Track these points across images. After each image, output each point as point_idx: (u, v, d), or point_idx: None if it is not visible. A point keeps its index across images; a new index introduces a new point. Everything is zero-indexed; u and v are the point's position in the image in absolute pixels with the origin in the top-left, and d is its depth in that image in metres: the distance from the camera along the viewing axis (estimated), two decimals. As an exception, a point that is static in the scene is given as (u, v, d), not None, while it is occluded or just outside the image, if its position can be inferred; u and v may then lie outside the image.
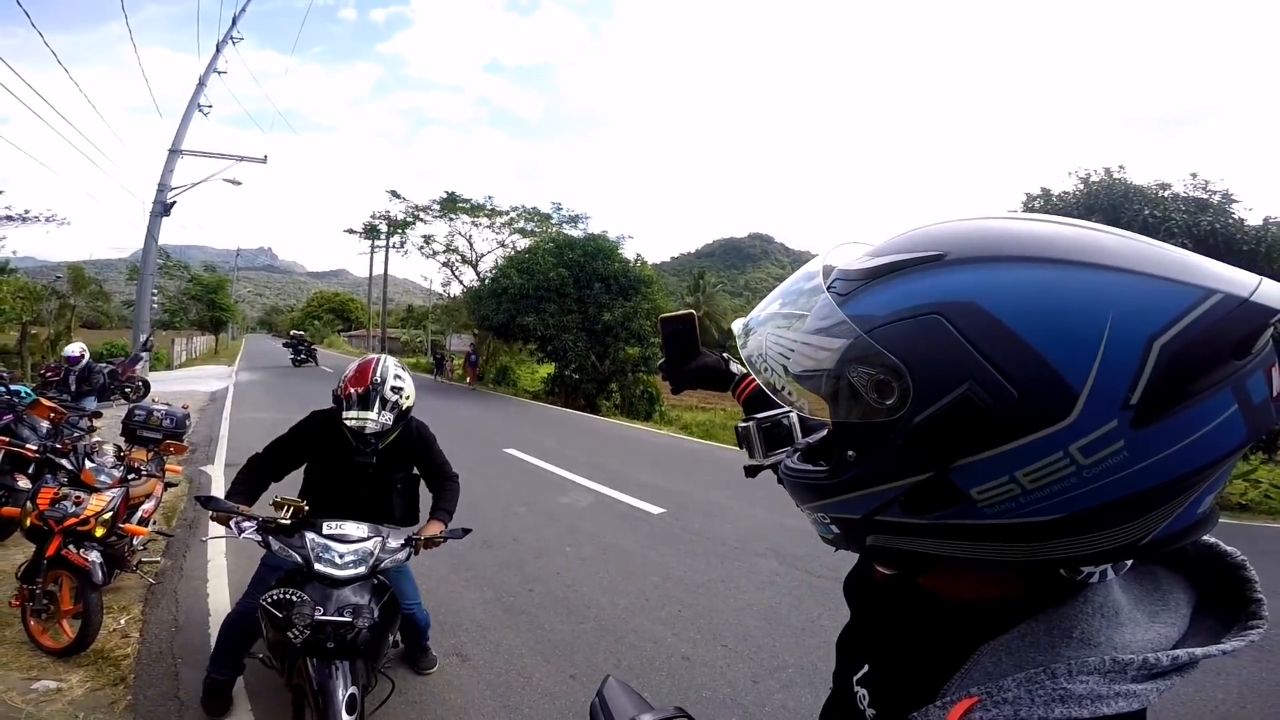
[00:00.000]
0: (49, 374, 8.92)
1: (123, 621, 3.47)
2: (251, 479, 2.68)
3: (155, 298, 20.26)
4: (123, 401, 11.54)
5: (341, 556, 2.18)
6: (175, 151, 17.40)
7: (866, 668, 0.62)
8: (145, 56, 13.97)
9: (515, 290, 19.77)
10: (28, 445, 4.29)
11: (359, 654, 2.11)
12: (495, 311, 20.26)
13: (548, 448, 9.38)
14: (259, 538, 2.22)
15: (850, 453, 0.51)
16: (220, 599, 3.78)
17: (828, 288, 0.52)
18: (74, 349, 8.72)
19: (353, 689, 2.03)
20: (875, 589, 0.66)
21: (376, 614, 2.15)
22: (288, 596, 2.05)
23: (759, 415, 0.77)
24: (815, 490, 0.55)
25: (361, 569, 2.19)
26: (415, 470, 2.94)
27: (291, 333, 29.43)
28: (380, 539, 2.31)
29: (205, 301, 40.79)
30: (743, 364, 0.62)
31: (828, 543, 0.59)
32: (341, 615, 2.05)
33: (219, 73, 18.64)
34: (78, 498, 3.26)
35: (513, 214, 24.78)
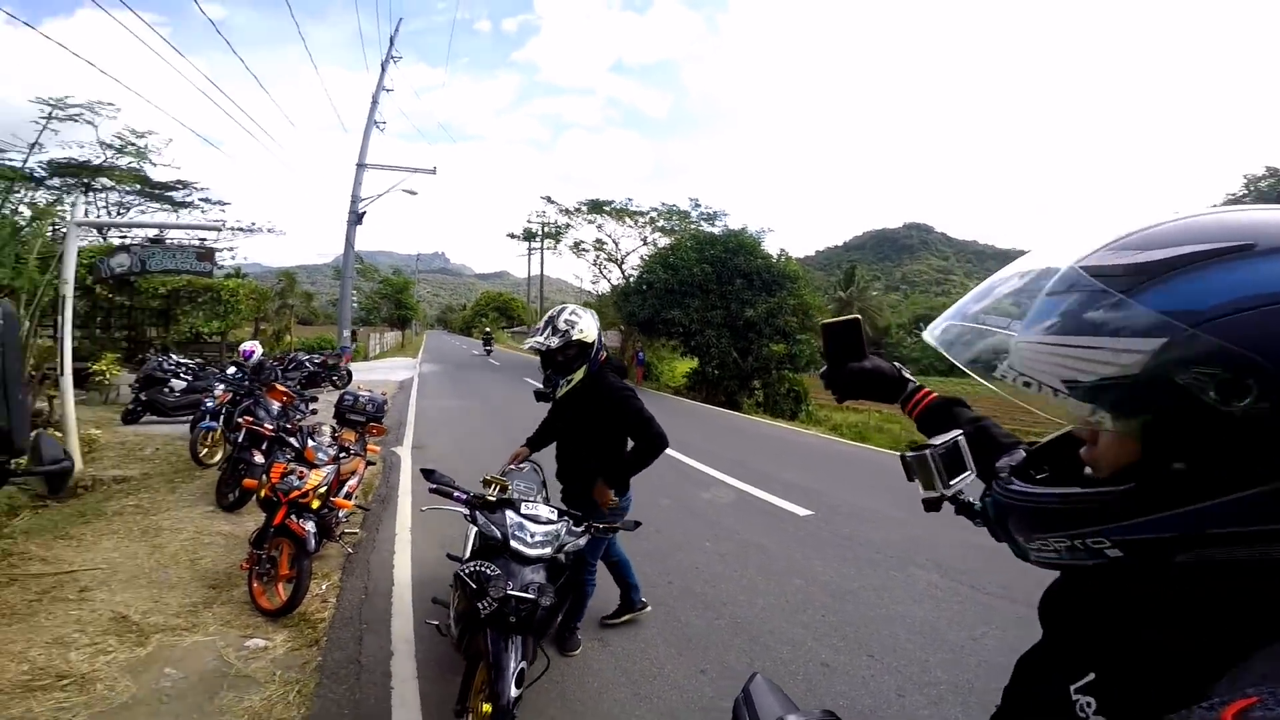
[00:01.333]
0: (276, 363, 10.80)
1: (324, 587, 3.84)
2: (541, 431, 3.41)
3: (354, 297, 23.32)
4: (331, 389, 13.52)
5: (533, 536, 2.33)
6: (361, 166, 19.73)
7: (1092, 675, 0.59)
8: (322, 77, 15.83)
9: (660, 285, 20.16)
10: (265, 425, 5.12)
11: (532, 630, 2.24)
12: (641, 306, 20.80)
13: (690, 443, 9.43)
14: (466, 511, 2.44)
15: (1177, 465, 0.48)
16: (403, 571, 4.22)
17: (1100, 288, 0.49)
18: (246, 345, 8.28)
19: (522, 663, 2.16)
20: (1097, 600, 0.63)
21: (554, 594, 2.28)
22: (483, 569, 2.22)
23: (935, 441, 0.71)
24: (1081, 515, 0.52)
25: (548, 550, 2.35)
26: (616, 445, 3.12)
27: (485, 330, 39.17)
28: (566, 523, 2.47)
29: (393, 300, 46.92)
30: (919, 372, 0.59)
31: (1070, 569, 0.55)
32: (527, 592, 2.17)
33: (387, 90, 20.66)
34: (300, 472, 3.74)
35: (653, 213, 25.34)
